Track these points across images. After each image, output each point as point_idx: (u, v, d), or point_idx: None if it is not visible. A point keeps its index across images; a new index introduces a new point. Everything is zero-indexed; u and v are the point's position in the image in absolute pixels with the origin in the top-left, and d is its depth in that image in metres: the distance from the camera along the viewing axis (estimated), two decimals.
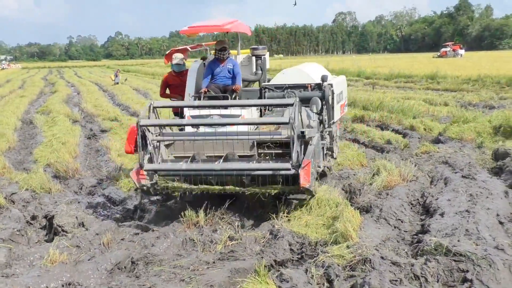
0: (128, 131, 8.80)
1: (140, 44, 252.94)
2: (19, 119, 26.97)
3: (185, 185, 9.09)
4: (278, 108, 10.65)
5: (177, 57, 11.59)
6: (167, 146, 9.97)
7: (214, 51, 10.70)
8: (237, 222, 9.72)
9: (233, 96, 10.86)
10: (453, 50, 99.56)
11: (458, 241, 7.84)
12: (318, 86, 10.61)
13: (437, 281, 6.97)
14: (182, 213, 9.56)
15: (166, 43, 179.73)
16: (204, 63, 11.52)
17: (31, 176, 13.23)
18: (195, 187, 9.00)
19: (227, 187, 9.04)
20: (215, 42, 11.99)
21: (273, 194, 8.93)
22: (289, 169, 8.35)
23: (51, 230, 9.90)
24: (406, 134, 19.27)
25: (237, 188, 8.94)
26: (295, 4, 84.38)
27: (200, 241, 8.63)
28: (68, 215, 10.33)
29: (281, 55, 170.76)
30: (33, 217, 10.54)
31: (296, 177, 8.53)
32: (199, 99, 10.57)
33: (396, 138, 17.72)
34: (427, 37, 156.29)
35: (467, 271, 6.94)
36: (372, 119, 22.33)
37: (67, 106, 32.13)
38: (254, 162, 9.32)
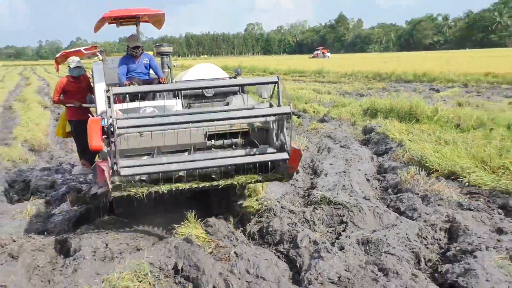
0: (89, 126, 5.93)
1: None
2: (0, 105, 26.40)
3: (165, 186, 6.33)
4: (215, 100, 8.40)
5: (74, 60, 9.00)
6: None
7: (127, 48, 8.38)
8: None
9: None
10: (323, 53, 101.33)
11: (337, 193, 8.33)
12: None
13: (322, 224, 7.42)
14: None
15: (117, 46, 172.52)
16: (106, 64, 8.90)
17: (11, 150, 13.76)
18: (182, 185, 6.42)
19: (215, 182, 6.58)
20: (93, 47, 9.25)
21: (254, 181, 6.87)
22: (287, 158, 6.62)
23: (29, 191, 10.16)
24: (300, 115, 19.90)
25: (227, 181, 6.58)
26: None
27: None
28: (42, 179, 10.51)
29: (206, 56, 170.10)
30: (14, 181, 10.76)
31: (276, 165, 6.93)
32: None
33: (293, 118, 18.05)
34: (315, 43, 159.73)
35: (343, 215, 7.47)
36: None
37: (39, 96, 31.82)
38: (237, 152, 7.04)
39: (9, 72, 78.04)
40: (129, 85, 8.02)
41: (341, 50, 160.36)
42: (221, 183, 6.55)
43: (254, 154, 6.73)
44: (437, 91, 27.75)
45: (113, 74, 8.42)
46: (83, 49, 9.26)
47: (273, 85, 6.65)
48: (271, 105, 6.98)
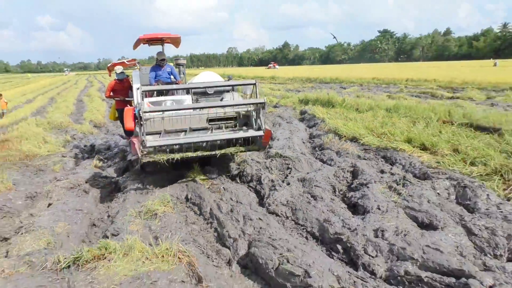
0: (125, 112, 6.03)
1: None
2: (75, 99, 26.18)
3: (178, 155, 5.93)
4: (214, 95, 7.94)
5: (120, 68, 8.77)
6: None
7: (156, 60, 8.08)
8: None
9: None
10: (274, 66, 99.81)
11: (285, 151, 8.22)
12: None
13: (276, 169, 7.34)
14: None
15: (146, 60, 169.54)
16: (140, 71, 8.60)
17: (82, 126, 13.39)
18: (191, 154, 6.00)
19: (206, 153, 6.14)
20: (132, 60, 9.28)
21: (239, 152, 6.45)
22: (262, 134, 6.23)
23: (94, 151, 9.88)
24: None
25: (221, 151, 6.16)
26: (334, 37, 70.08)
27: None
28: (102, 144, 10.32)
29: (202, 68, 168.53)
30: (85, 145, 10.53)
31: (255, 140, 6.48)
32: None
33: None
34: (270, 59, 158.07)
35: (289, 164, 7.40)
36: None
37: (99, 92, 30.73)
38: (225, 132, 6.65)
39: (80, 78, 75.97)
40: (155, 85, 7.72)
41: (285, 64, 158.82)
42: (218, 152, 6.11)
43: (240, 132, 6.38)
44: (344, 88, 27.75)
45: (145, 78, 8.29)
46: (126, 61, 9.18)
47: (252, 85, 6.34)
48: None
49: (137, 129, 5.70)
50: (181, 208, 5.64)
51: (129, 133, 8.21)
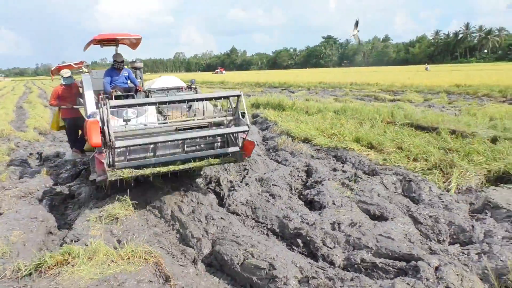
0: (89, 126, 4.83)
1: None
2: (14, 105, 24.61)
3: (148, 171, 5.21)
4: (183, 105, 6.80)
5: (67, 72, 7.81)
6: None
7: (113, 62, 7.14)
8: None
9: (138, 95, 7.23)
10: (221, 71, 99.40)
11: None
12: (189, 87, 7.36)
13: (234, 170, 7.42)
14: None
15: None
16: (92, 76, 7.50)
17: (26, 133, 12.71)
18: (163, 169, 5.28)
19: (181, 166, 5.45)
20: (80, 63, 8.19)
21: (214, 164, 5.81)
22: (238, 150, 5.83)
23: (42, 159, 9.43)
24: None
25: (195, 164, 5.53)
26: (359, 42, 63.01)
27: None
28: (50, 151, 9.90)
29: (149, 73, 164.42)
30: (31, 153, 10.04)
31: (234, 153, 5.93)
32: (110, 98, 6.49)
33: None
34: (217, 64, 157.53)
35: (246, 165, 7.52)
36: None
37: (40, 99, 29.08)
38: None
39: (17, 85, 71.60)
40: (115, 92, 6.83)
41: (234, 69, 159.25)
42: (192, 166, 5.48)
43: (218, 149, 5.95)
44: (293, 92, 28.45)
45: (97, 82, 7.37)
46: (73, 64, 8.19)
47: (237, 96, 5.67)
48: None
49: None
50: (142, 212, 5.62)
51: (79, 146, 7.67)
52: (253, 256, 3.92)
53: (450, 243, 4.41)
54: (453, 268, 3.46)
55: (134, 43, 7.86)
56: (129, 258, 3.87)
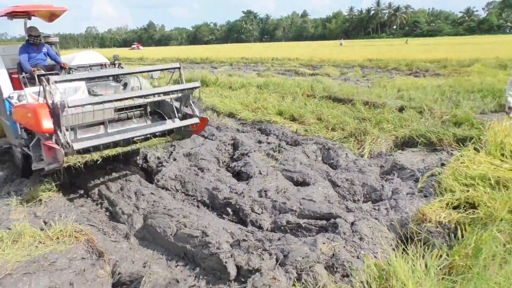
0: (37, 111, 4.25)
1: None
2: None
3: (96, 154, 4.83)
4: (112, 83, 6.45)
5: None
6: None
7: (28, 37, 6.29)
8: None
9: (63, 72, 6.43)
10: (137, 47, 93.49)
11: None
12: (113, 64, 6.95)
13: (161, 147, 7.31)
14: None
15: None
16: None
17: None
18: (111, 152, 4.92)
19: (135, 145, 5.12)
20: None
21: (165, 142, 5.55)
22: (197, 121, 5.47)
23: None
24: None
25: (143, 144, 5.23)
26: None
27: None
28: None
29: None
30: None
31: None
32: (32, 78, 5.91)
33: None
34: (134, 40, 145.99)
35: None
36: None
37: None
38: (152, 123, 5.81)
39: None
40: (36, 71, 6.00)
41: (152, 45, 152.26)
42: (140, 146, 5.19)
43: (175, 122, 5.58)
44: (215, 68, 28.30)
45: (6, 60, 6.29)
46: None
47: (177, 69, 5.42)
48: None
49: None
50: (66, 193, 5.46)
51: None
52: (185, 226, 4.07)
53: (364, 202, 4.93)
54: (366, 222, 3.91)
55: (53, 15, 6.87)
56: (58, 238, 3.83)
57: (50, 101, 4.31)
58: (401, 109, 8.70)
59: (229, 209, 4.80)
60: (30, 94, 5.23)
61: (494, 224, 3.45)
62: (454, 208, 4.06)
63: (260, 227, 4.35)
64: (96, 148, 4.86)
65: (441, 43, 48.58)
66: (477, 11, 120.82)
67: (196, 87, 5.42)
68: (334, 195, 4.97)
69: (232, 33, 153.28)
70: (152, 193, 5.11)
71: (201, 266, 3.69)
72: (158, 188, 5.50)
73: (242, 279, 3.34)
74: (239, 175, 5.92)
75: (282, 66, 26.62)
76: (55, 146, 4.33)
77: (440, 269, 2.91)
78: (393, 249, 3.57)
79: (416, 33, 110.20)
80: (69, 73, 6.51)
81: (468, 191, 4.23)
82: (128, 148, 5.08)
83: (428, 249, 3.20)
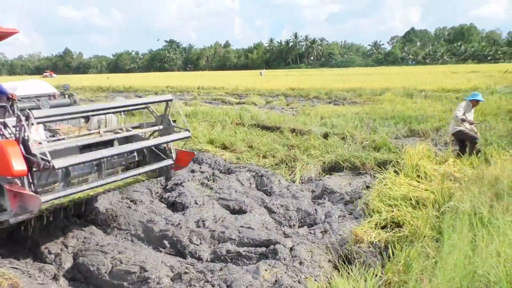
0: (5, 149, 3.24)
1: None
2: None
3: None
4: None
5: None
6: None
7: None
8: None
9: (10, 104, 5.18)
10: (50, 74, 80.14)
11: None
12: (62, 94, 6.19)
13: None
14: None
15: None
16: None
17: None
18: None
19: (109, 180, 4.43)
20: None
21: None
22: (171, 163, 4.87)
23: None
24: None
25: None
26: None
27: None
28: None
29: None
30: None
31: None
32: None
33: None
34: (50, 67, 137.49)
35: None
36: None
37: None
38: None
39: None
40: None
41: (69, 72, 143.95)
42: (117, 184, 4.67)
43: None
44: (140, 97, 27.70)
45: None
46: None
47: (168, 101, 4.86)
48: None
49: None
50: None
51: None
52: (121, 262, 3.88)
53: (300, 226, 5.08)
54: (304, 246, 4.04)
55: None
56: None
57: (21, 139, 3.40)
58: (325, 136, 9.20)
59: (166, 242, 4.67)
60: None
61: (419, 241, 3.77)
62: (382, 227, 4.36)
63: (199, 258, 4.28)
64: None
65: (354, 74, 52.43)
66: (383, 44, 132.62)
67: (168, 100, 4.80)
68: (271, 222, 5.07)
69: (155, 62, 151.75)
70: (82, 229, 4.81)
71: None
72: (88, 223, 5.19)
73: None
74: (174, 206, 5.80)
75: (209, 94, 26.83)
76: (24, 192, 3.39)
77: (379, 286, 3.09)
78: (332, 271, 3.72)
79: (331, 64, 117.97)
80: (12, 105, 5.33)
81: (393, 211, 4.58)
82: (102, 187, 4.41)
83: (365, 268, 3.39)
